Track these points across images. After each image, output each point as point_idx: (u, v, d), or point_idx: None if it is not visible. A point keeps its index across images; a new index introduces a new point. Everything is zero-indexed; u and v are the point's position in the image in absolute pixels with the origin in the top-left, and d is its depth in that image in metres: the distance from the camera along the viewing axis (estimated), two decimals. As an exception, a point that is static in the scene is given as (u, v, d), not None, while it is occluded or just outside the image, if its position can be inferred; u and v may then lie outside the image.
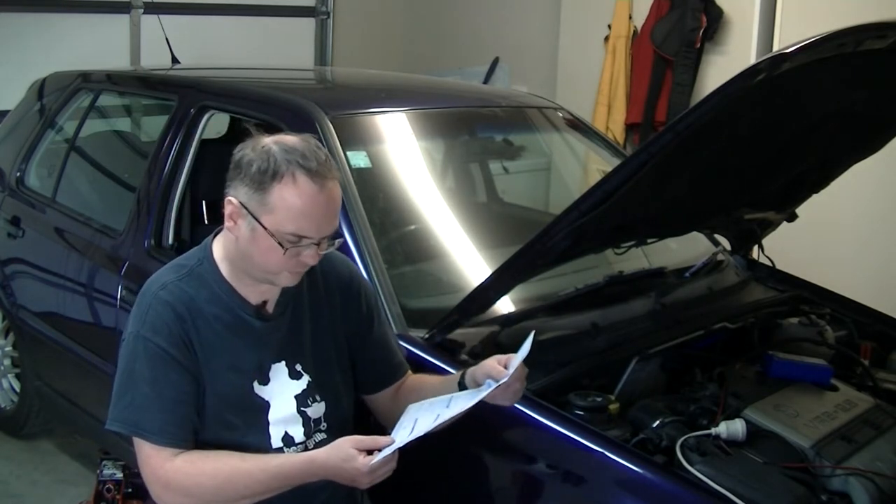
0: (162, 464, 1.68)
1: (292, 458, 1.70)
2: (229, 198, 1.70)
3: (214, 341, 1.74)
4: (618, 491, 1.75)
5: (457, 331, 2.07)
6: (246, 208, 1.68)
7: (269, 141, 1.70)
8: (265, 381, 1.78)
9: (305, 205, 1.65)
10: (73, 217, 3.23)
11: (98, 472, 2.41)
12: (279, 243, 1.66)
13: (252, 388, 1.77)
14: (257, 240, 1.68)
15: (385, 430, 1.86)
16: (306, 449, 1.78)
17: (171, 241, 2.80)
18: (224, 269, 1.78)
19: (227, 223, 1.73)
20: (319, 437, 1.83)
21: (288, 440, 1.79)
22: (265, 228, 1.66)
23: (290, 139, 1.71)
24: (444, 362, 2.01)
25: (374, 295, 2.01)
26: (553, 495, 1.85)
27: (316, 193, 1.65)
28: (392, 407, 1.89)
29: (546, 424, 1.85)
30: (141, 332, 1.71)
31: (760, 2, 4.56)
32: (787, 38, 4.05)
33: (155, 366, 1.70)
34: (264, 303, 1.80)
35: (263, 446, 1.76)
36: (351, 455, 1.62)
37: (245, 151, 1.70)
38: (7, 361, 3.64)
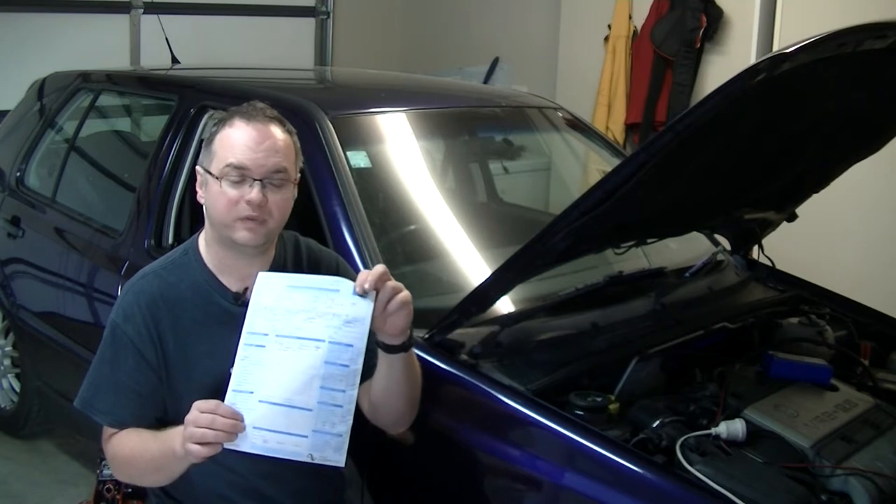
0: (107, 440, 1.80)
1: (175, 428, 1.67)
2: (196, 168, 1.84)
3: (193, 329, 1.78)
4: (618, 491, 1.75)
5: (457, 331, 2.07)
6: (201, 167, 1.80)
7: None
8: None
9: (239, 137, 1.75)
10: (73, 217, 3.23)
11: (98, 472, 2.40)
12: (219, 178, 1.73)
13: (230, 374, 1.74)
14: (210, 191, 1.77)
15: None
16: None
17: (171, 241, 2.80)
18: (206, 256, 1.84)
19: (198, 195, 1.82)
20: None
21: None
22: (211, 174, 1.76)
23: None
24: (444, 362, 2.01)
25: None
26: (553, 495, 1.85)
27: (250, 128, 1.76)
28: (365, 406, 1.82)
29: (546, 424, 1.85)
30: (114, 317, 1.80)
31: (760, 2, 4.56)
32: (787, 38, 4.04)
33: (117, 350, 1.78)
34: (245, 289, 1.80)
35: None
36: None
37: None
38: (7, 361, 3.64)
